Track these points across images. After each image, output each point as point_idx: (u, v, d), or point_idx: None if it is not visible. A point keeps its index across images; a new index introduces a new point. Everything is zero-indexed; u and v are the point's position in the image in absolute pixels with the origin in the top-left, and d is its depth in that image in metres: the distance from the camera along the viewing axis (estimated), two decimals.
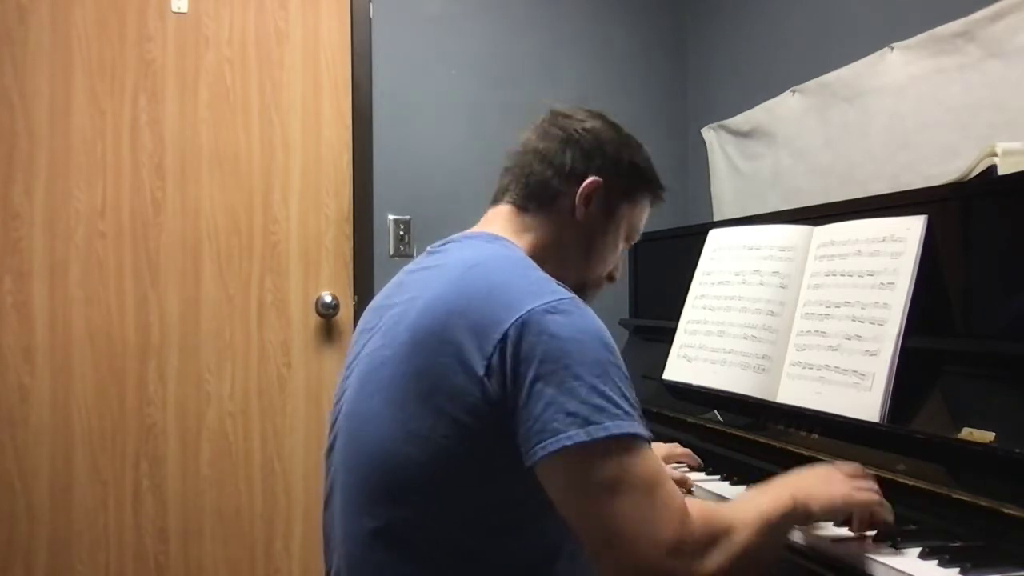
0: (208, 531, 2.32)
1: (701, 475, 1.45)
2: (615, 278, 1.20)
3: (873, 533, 1.05)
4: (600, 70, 2.73)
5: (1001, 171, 1.27)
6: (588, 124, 1.12)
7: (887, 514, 1.04)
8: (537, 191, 1.10)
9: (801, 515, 0.99)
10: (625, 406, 0.88)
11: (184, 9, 2.32)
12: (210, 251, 2.34)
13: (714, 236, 1.77)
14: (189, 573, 2.30)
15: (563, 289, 0.94)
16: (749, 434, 1.47)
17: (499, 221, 1.11)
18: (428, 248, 1.11)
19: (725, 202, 2.58)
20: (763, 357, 1.48)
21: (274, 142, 2.39)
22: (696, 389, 1.63)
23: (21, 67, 2.21)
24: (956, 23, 1.71)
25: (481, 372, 0.88)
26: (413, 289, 1.01)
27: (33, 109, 2.22)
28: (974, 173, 1.33)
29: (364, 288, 2.44)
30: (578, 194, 1.09)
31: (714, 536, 0.89)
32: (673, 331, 1.76)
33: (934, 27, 1.76)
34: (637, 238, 1.21)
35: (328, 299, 2.40)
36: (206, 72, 2.34)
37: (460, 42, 2.59)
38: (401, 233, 2.51)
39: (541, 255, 1.07)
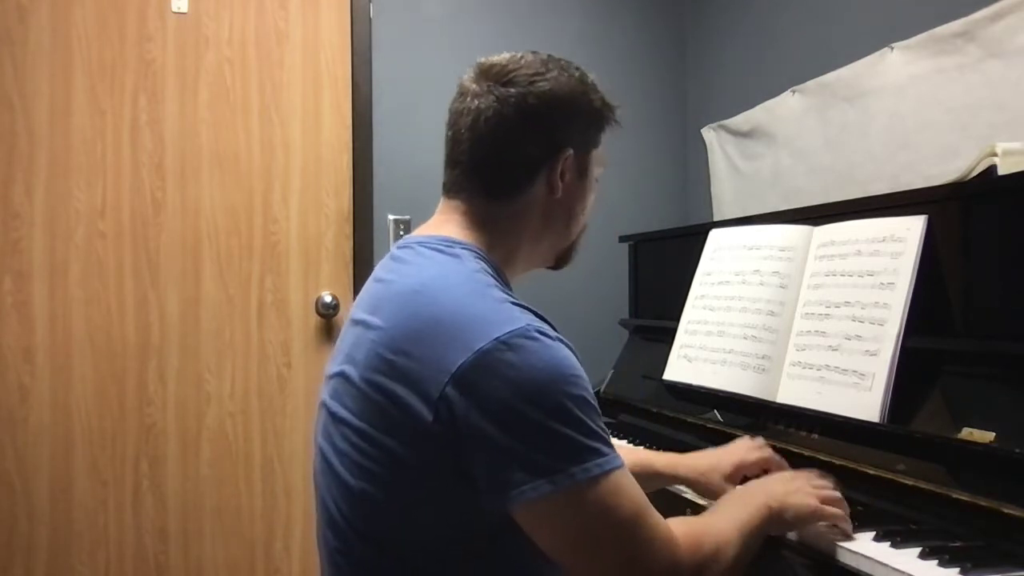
0: (208, 531, 2.32)
1: None
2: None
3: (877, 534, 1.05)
4: (600, 70, 2.70)
5: (1001, 171, 1.27)
6: (537, 87, 0.98)
7: (848, 528, 1.06)
8: (503, 185, 1.00)
9: (775, 523, 1.01)
10: (590, 442, 0.83)
11: (184, 9, 2.32)
12: (210, 251, 2.34)
13: (714, 236, 1.77)
14: (189, 573, 2.30)
15: (517, 313, 0.87)
16: (749, 434, 1.47)
17: (456, 218, 1.02)
18: (392, 248, 1.04)
19: (725, 202, 2.58)
20: (763, 357, 1.48)
21: (274, 142, 2.39)
22: (696, 389, 1.63)
23: (21, 67, 2.21)
24: (956, 23, 1.71)
25: (430, 418, 0.83)
26: (371, 307, 0.95)
27: (33, 109, 2.22)
28: (974, 173, 1.33)
29: None
30: (552, 175, 1.00)
31: (704, 560, 0.89)
32: (673, 331, 1.76)
33: (934, 27, 1.76)
34: (605, 167, 1.10)
35: (328, 299, 2.40)
36: (206, 72, 2.34)
37: (460, 42, 2.59)
38: (401, 233, 2.51)
39: (512, 244, 1.01)
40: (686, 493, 1.36)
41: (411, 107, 2.52)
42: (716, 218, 2.57)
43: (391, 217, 2.51)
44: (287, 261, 2.40)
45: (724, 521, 0.96)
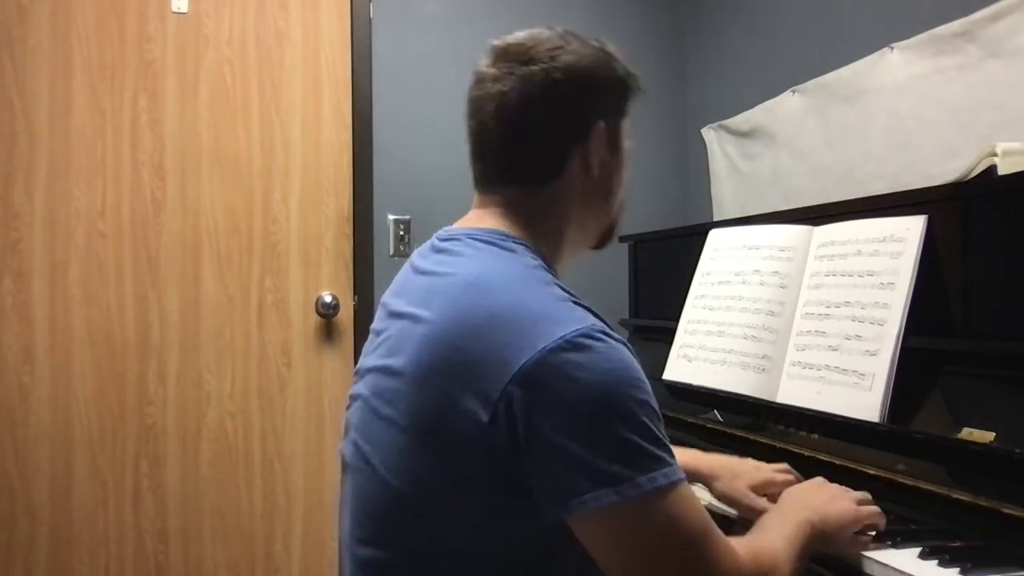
0: (208, 531, 2.32)
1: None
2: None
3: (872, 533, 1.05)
4: None
5: (1001, 171, 1.27)
6: (561, 60, 0.93)
7: (882, 522, 1.04)
8: (538, 171, 0.95)
9: (819, 538, 0.96)
10: (657, 451, 0.78)
11: (184, 9, 2.32)
12: (210, 251, 2.34)
13: (714, 236, 1.77)
14: (189, 573, 2.30)
15: (580, 313, 0.83)
16: (749, 434, 1.47)
17: (497, 211, 0.96)
18: (435, 240, 0.98)
19: (725, 202, 2.58)
20: (763, 357, 1.48)
21: (274, 142, 2.39)
22: (696, 389, 1.63)
23: (21, 67, 2.21)
24: (956, 23, 1.71)
25: (485, 419, 0.78)
26: (418, 301, 0.90)
27: (33, 109, 2.22)
28: (974, 173, 1.33)
29: (364, 288, 2.44)
30: (587, 152, 0.95)
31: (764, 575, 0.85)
32: (673, 331, 1.76)
33: (934, 27, 1.76)
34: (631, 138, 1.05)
35: (328, 299, 2.40)
36: (206, 72, 2.34)
37: (460, 42, 2.59)
38: (401, 233, 2.51)
39: (558, 231, 0.97)
40: (700, 499, 1.35)
41: (411, 107, 2.52)
42: (716, 218, 2.57)
43: (391, 217, 2.51)
44: (287, 261, 2.40)
45: (777, 539, 0.92)
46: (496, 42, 0.98)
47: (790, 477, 1.20)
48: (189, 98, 2.33)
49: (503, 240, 0.93)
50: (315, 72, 2.42)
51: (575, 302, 0.86)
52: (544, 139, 0.94)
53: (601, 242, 1.07)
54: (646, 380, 0.82)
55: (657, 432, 0.80)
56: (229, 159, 2.36)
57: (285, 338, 2.39)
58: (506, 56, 0.95)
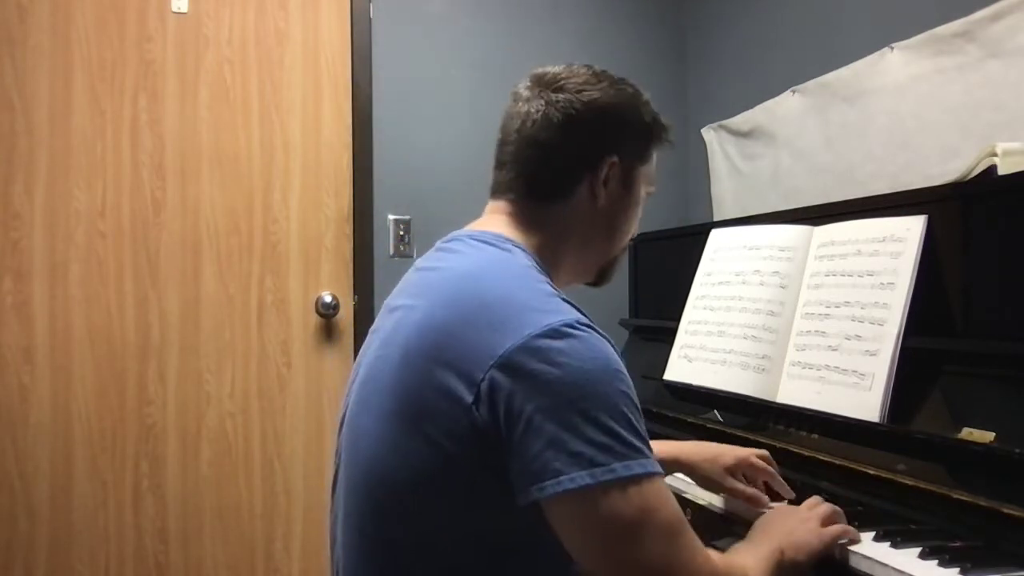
0: (208, 531, 2.32)
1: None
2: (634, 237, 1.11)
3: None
4: None
5: (1001, 171, 1.27)
6: (585, 95, 1.00)
7: (856, 536, 1.05)
8: (547, 187, 1.00)
9: (789, 566, 0.98)
10: (635, 441, 0.81)
11: (184, 9, 2.32)
12: (210, 251, 2.34)
13: (715, 236, 1.77)
14: (189, 573, 2.30)
15: (566, 307, 0.86)
16: (749, 434, 1.47)
17: (503, 218, 1.01)
18: (438, 243, 1.03)
19: (725, 202, 2.58)
20: (763, 357, 1.48)
21: (274, 142, 2.39)
22: (696, 389, 1.63)
23: (21, 67, 2.21)
24: (956, 23, 1.71)
25: (469, 399, 0.81)
26: (414, 293, 0.95)
27: (33, 109, 2.22)
28: (974, 173, 1.33)
29: (364, 288, 2.44)
30: (596, 181, 1.00)
31: None
32: (673, 331, 1.76)
33: (934, 27, 1.76)
34: (654, 187, 1.10)
35: (328, 299, 2.40)
36: (206, 72, 2.34)
37: (460, 42, 2.59)
38: (401, 233, 2.51)
39: (558, 249, 1.01)
40: (685, 493, 1.36)
41: (411, 107, 2.52)
42: (716, 218, 2.57)
43: (391, 217, 2.51)
44: (287, 261, 2.40)
45: (747, 557, 0.94)
46: (536, 69, 1.05)
47: (766, 464, 1.24)
48: (189, 98, 2.33)
49: (502, 242, 0.97)
50: (315, 72, 2.42)
51: (563, 299, 0.89)
52: (556, 160, 1.00)
53: (599, 278, 1.12)
54: (627, 375, 0.85)
55: (636, 424, 0.82)
56: (229, 159, 2.36)
57: (285, 338, 2.39)
58: (539, 82, 1.02)
